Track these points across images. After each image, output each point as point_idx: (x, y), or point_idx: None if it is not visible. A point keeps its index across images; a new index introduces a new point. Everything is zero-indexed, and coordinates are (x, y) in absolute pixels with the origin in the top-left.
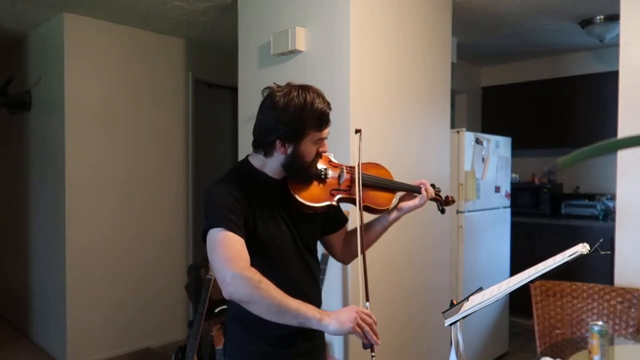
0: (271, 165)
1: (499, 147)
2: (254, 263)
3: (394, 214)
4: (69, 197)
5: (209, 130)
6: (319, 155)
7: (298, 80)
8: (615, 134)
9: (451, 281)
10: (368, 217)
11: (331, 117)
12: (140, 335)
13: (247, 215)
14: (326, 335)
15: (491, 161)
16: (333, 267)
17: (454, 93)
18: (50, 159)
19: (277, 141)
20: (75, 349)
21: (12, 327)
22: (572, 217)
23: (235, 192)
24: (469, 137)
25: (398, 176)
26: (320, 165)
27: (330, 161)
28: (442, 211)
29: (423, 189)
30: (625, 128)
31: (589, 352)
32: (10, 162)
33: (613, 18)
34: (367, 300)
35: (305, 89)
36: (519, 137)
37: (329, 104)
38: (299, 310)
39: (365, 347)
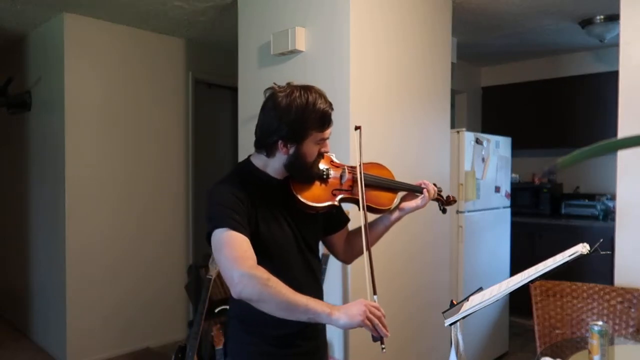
0: (273, 165)
1: (499, 147)
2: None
3: (396, 214)
4: (69, 197)
5: (209, 130)
6: (320, 155)
7: (298, 80)
8: (615, 134)
9: (451, 281)
10: (370, 217)
11: (332, 117)
12: (140, 335)
13: (250, 216)
14: (327, 335)
15: (491, 161)
16: (333, 267)
17: (454, 93)
18: (50, 159)
19: (280, 141)
20: (75, 349)
21: (12, 327)
22: (572, 217)
23: (238, 192)
24: (469, 137)
25: (398, 176)
26: (322, 166)
27: (332, 161)
28: (444, 211)
29: (425, 190)
30: (625, 128)
31: (589, 352)
32: (10, 162)
33: (613, 18)
34: (375, 293)
35: (307, 89)
36: (519, 137)
37: (330, 104)
38: (308, 305)
39: (374, 339)
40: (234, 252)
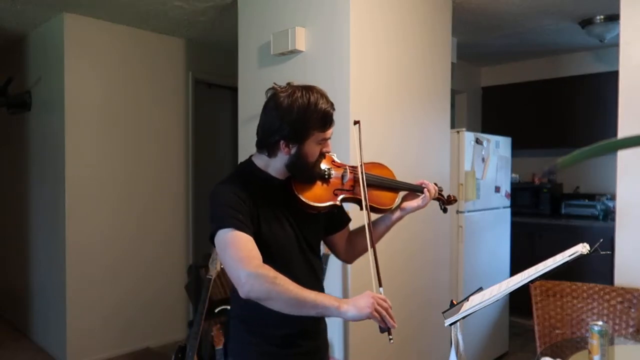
0: (275, 165)
1: (499, 147)
2: None
3: (397, 214)
4: (69, 197)
5: (209, 130)
6: (322, 155)
7: (298, 80)
8: (615, 134)
9: (451, 281)
10: (371, 216)
11: (333, 117)
12: (140, 335)
13: (252, 216)
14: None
15: (491, 161)
16: (333, 267)
17: (454, 93)
18: (50, 159)
19: (281, 141)
20: (75, 349)
21: (12, 327)
22: (572, 217)
23: (240, 192)
24: (469, 137)
25: (398, 176)
26: (324, 166)
27: (334, 161)
28: (445, 210)
29: (426, 190)
30: (625, 128)
31: (589, 352)
32: (10, 162)
33: (613, 18)
34: (380, 285)
35: (309, 89)
36: (519, 137)
37: (332, 104)
38: (317, 300)
39: (382, 330)
40: (239, 252)
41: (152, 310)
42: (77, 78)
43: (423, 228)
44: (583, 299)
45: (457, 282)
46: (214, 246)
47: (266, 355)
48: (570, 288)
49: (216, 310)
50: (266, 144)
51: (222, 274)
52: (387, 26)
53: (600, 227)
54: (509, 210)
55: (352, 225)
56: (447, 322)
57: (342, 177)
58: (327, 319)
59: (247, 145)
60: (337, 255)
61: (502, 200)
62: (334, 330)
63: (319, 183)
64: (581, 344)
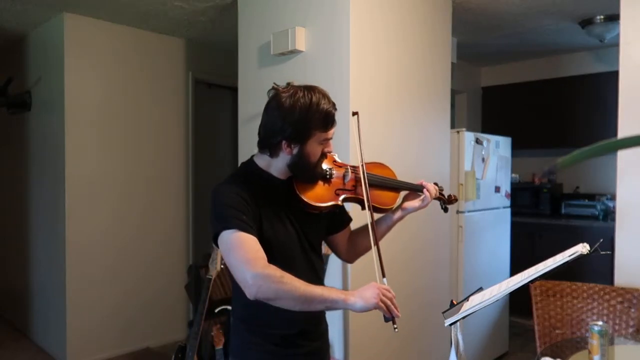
0: (277, 165)
1: (499, 147)
2: None
3: (398, 214)
4: (69, 197)
5: (209, 130)
6: (324, 155)
7: (298, 80)
8: (615, 134)
9: (451, 281)
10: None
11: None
12: (140, 335)
13: (254, 216)
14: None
15: (491, 161)
16: (333, 266)
17: (454, 93)
18: (50, 159)
19: (283, 142)
20: (75, 349)
21: (12, 327)
22: (572, 217)
23: (242, 192)
24: (469, 137)
25: (398, 176)
26: (325, 166)
27: (335, 161)
28: (445, 210)
29: (425, 190)
30: (625, 128)
31: (589, 352)
32: (10, 162)
33: (613, 18)
34: (384, 276)
35: (310, 89)
36: (519, 137)
37: (334, 104)
38: (324, 295)
39: (387, 320)
40: (244, 253)
41: (152, 310)
42: (77, 78)
43: (423, 228)
44: (583, 299)
45: (457, 282)
46: (217, 246)
47: (267, 355)
48: (570, 288)
49: (216, 310)
50: (268, 144)
51: (222, 274)
52: (387, 26)
53: (600, 227)
54: (509, 210)
55: (354, 225)
56: (447, 322)
57: (344, 177)
58: (327, 319)
59: (247, 145)
60: (339, 255)
61: (502, 200)
62: (334, 331)
63: (320, 183)
64: (581, 344)
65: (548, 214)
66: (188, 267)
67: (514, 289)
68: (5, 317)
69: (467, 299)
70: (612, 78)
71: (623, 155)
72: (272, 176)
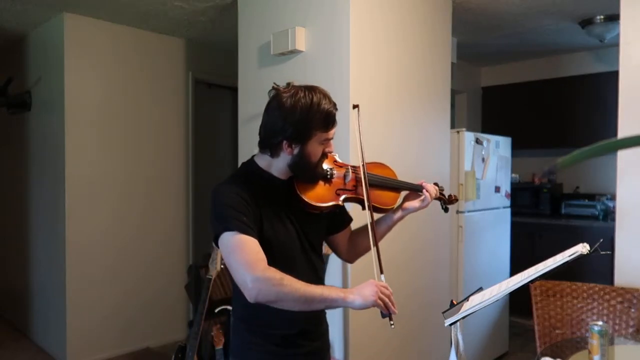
0: (277, 165)
1: (499, 147)
2: None
3: (399, 214)
4: (69, 197)
5: (209, 130)
6: (324, 155)
7: (298, 80)
8: (615, 134)
9: (451, 281)
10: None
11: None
12: (140, 335)
13: (255, 216)
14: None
15: (491, 161)
16: (333, 266)
17: (454, 93)
18: (50, 159)
19: (284, 142)
20: (75, 349)
21: (12, 327)
22: (572, 217)
23: (243, 193)
24: (469, 137)
25: (398, 176)
26: (326, 166)
27: (336, 161)
28: (446, 210)
29: (425, 191)
30: (625, 128)
31: (589, 352)
32: (10, 162)
33: (613, 18)
34: (382, 272)
35: (311, 89)
36: (519, 137)
37: (335, 104)
38: (324, 294)
39: (384, 316)
40: (245, 256)
41: (152, 310)
42: (77, 78)
43: (423, 228)
44: (583, 299)
45: (457, 282)
46: (218, 247)
47: (267, 355)
48: (570, 288)
49: (216, 310)
50: (269, 144)
51: (222, 274)
52: (387, 26)
53: (600, 227)
54: (509, 210)
55: (354, 225)
56: (447, 322)
57: (344, 177)
58: (327, 319)
59: (247, 145)
60: (339, 255)
61: (502, 200)
62: (334, 331)
63: (321, 183)
64: (581, 344)
65: (548, 214)
66: (188, 267)
67: (514, 289)
68: (5, 317)
69: (467, 299)
70: (612, 78)
71: (623, 155)
72: (272, 176)
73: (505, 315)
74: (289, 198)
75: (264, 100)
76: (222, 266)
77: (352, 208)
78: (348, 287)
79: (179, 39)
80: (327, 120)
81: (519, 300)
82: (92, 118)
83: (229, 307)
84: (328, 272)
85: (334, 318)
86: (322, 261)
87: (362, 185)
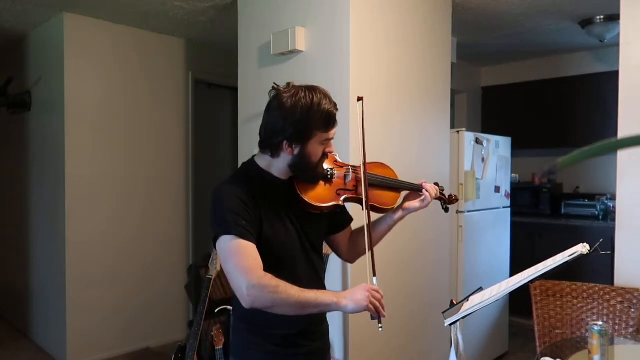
0: (277, 165)
1: (499, 147)
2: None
3: (399, 213)
4: (69, 197)
5: (209, 130)
6: (325, 155)
7: (298, 81)
8: (615, 134)
9: (451, 281)
10: (374, 216)
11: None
12: (140, 335)
13: (255, 218)
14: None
15: (491, 161)
16: (333, 266)
17: (454, 93)
18: (50, 159)
19: (284, 142)
20: (75, 349)
21: (12, 327)
22: (572, 217)
23: (243, 195)
24: (469, 137)
25: (398, 176)
26: (326, 166)
27: (336, 161)
28: (446, 210)
29: (425, 191)
30: (625, 128)
31: (589, 352)
32: (10, 162)
33: (613, 18)
34: (374, 275)
35: (312, 89)
36: (519, 137)
37: (335, 104)
38: (318, 299)
39: (373, 318)
40: (242, 262)
41: (152, 310)
42: (77, 78)
43: (423, 228)
44: (583, 299)
45: (457, 282)
46: (216, 248)
47: (267, 355)
48: (570, 288)
49: (216, 310)
50: (269, 144)
51: (222, 274)
52: (387, 26)
53: (600, 227)
54: (509, 210)
55: (355, 225)
56: (447, 322)
57: (345, 177)
58: (328, 320)
59: (247, 145)
60: (340, 255)
61: (502, 200)
62: (334, 331)
63: (321, 183)
64: (581, 344)
65: (548, 214)
66: (188, 267)
67: (514, 289)
68: (5, 317)
69: (467, 299)
70: (612, 78)
71: (623, 155)
72: (273, 176)
73: (505, 315)
74: (290, 198)
75: (264, 100)
76: (222, 266)
77: (354, 208)
78: (348, 286)
79: (179, 39)
80: (328, 120)
81: (519, 300)
82: (92, 118)
83: (229, 307)
84: (328, 272)
85: (334, 318)
86: (323, 261)
87: (362, 186)
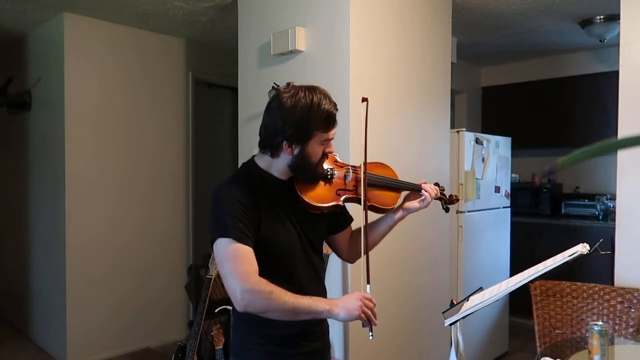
0: (277, 165)
1: (499, 147)
2: (261, 264)
3: (399, 213)
4: (69, 197)
5: (209, 130)
6: (325, 155)
7: (298, 81)
8: (615, 134)
9: (451, 281)
10: (374, 216)
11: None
12: (140, 335)
13: (254, 219)
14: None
15: (491, 161)
16: (333, 266)
17: (454, 93)
18: (50, 159)
19: (284, 142)
20: (75, 349)
21: (12, 327)
22: (572, 217)
23: (242, 197)
24: (469, 137)
25: (398, 176)
26: (327, 166)
27: (336, 161)
28: (447, 210)
29: (424, 191)
30: (625, 128)
31: (589, 352)
32: (10, 162)
33: (613, 18)
34: (368, 282)
35: (311, 89)
36: (519, 137)
37: (335, 104)
38: (311, 306)
39: (364, 326)
40: (238, 266)
41: (152, 310)
42: (76, 78)
43: (423, 228)
44: (583, 299)
45: (457, 282)
46: (213, 250)
47: (268, 355)
48: (570, 288)
49: (216, 310)
50: (269, 145)
51: None
52: (387, 26)
53: (600, 227)
54: (509, 210)
55: (354, 225)
56: (447, 322)
57: (345, 177)
58: (328, 320)
59: (247, 145)
60: (340, 255)
61: (502, 200)
62: (334, 331)
63: (321, 183)
64: (581, 344)
65: (548, 214)
66: (188, 267)
67: (514, 289)
68: (5, 317)
69: (467, 299)
70: (612, 78)
71: (623, 155)
72: (273, 176)
73: (505, 315)
74: (290, 198)
75: (264, 100)
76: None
77: (354, 208)
78: (348, 286)
79: (179, 39)
80: (328, 120)
81: (519, 300)
82: (92, 118)
83: (229, 307)
84: (328, 272)
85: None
86: (323, 261)
87: (362, 186)
